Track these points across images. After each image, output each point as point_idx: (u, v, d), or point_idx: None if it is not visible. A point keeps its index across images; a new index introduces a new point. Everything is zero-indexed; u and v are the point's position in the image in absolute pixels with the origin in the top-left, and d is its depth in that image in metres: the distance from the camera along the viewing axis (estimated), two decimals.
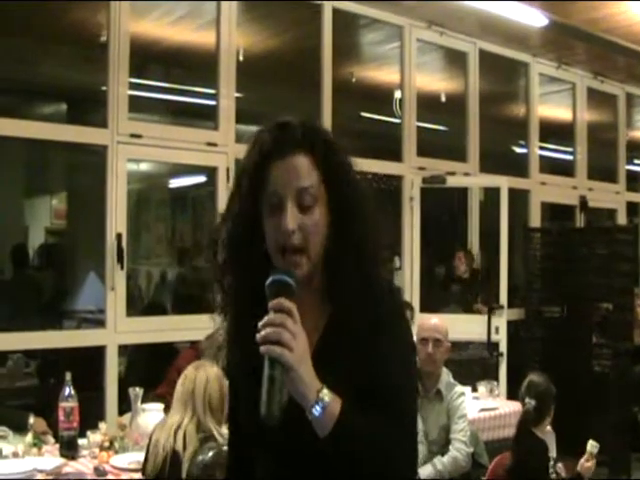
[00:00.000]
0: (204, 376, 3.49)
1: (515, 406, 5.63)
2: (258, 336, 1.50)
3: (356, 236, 1.65)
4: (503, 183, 7.45)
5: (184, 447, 3.28)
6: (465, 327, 6.79)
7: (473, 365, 7.36)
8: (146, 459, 3.43)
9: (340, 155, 1.71)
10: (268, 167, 1.64)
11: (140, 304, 8.74)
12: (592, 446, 4.23)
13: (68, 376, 4.04)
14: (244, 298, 1.69)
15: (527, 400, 4.28)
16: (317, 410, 1.50)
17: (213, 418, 3.42)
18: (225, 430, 3.33)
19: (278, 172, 1.64)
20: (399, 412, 1.62)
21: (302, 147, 1.65)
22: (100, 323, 5.58)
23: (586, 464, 4.19)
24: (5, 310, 7.14)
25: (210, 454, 3.14)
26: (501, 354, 7.16)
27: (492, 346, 7.14)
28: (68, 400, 4.01)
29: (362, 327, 1.63)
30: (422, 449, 4.61)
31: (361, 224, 1.67)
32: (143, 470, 3.45)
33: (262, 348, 1.49)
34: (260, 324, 1.51)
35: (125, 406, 5.00)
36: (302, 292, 1.59)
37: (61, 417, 4.01)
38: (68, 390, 4.02)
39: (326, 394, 1.52)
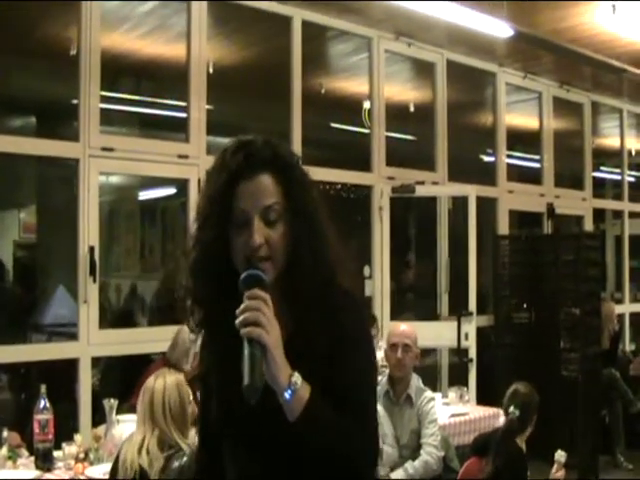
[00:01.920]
0: (161, 385, 3.47)
1: (485, 411, 5.72)
2: (237, 321, 1.60)
3: (314, 249, 1.75)
4: (471, 192, 7.54)
5: (150, 465, 3.27)
6: (434, 334, 6.87)
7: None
8: (114, 475, 3.43)
9: (300, 171, 1.82)
10: (235, 188, 1.73)
11: (110, 317, 8.72)
12: (560, 456, 4.30)
13: (43, 389, 4.05)
14: (217, 313, 1.77)
15: (511, 409, 4.33)
16: (288, 393, 1.61)
17: (175, 426, 3.39)
18: (190, 440, 3.37)
19: (245, 192, 1.73)
20: (358, 411, 1.71)
21: (266, 166, 1.75)
22: (71, 336, 5.57)
23: (556, 475, 4.27)
24: None
25: (185, 458, 3.16)
26: (471, 360, 7.23)
27: (462, 352, 7.21)
28: (43, 412, 4.02)
29: (323, 337, 1.72)
30: (393, 453, 4.67)
31: (319, 238, 1.77)
32: None
33: (242, 330, 1.60)
34: (238, 311, 1.62)
35: (98, 417, 5.02)
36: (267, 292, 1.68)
37: (36, 429, 4.02)
38: (43, 402, 4.03)
39: (297, 378, 1.63)
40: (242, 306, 1.62)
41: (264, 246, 1.71)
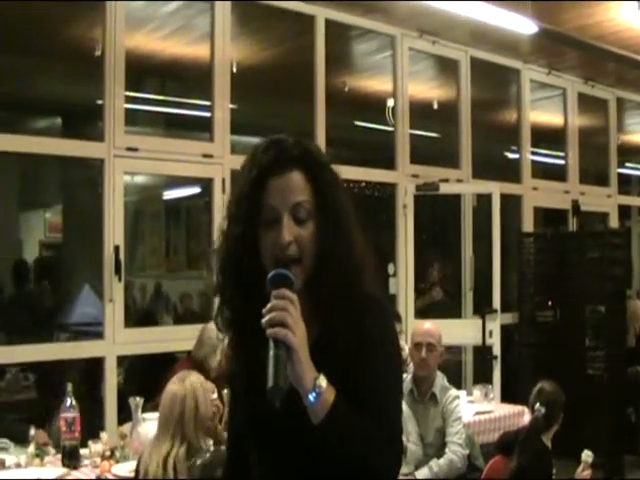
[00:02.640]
0: (183, 391, 3.42)
1: (509, 409, 5.70)
2: (263, 320, 1.59)
3: (342, 251, 1.73)
4: (495, 189, 7.51)
5: (175, 476, 3.25)
6: (458, 331, 6.86)
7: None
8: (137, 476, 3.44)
9: (330, 171, 1.81)
10: (265, 184, 1.72)
11: (135, 316, 8.77)
12: (587, 456, 4.28)
13: (69, 387, 4.09)
14: (244, 309, 1.75)
15: (537, 407, 4.33)
16: (313, 396, 1.58)
17: (202, 432, 3.39)
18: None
19: (275, 188, 1.71)
20: (383, 417, 1.68)
21: (296, 164, 1.74)
22: (97, 335, 5.61)
23: (583, 474, 4.25)
24: (2, 324, 7.17)
25: (208, 455, 3.16)
26: (495, 357, 7.21)
27: (486, 350, 7.19)
28: (70, 411, 4.05)
29: (348, 342, 1.71)
30: (418, 452, 4.67)
31: (347, 240, 1.75)
32: None
33: (268, 331, 1.58)
34: (264, 310, 1.60)
35: (123, 415, 5.05)
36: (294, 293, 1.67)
37: (63, 427, 4.06)
38: (69, 401, 4.07)
39: (322, 380, 1.60)
40: (268, 305, 1.60)
41: (293, 244, 1.70)
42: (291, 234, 1.69)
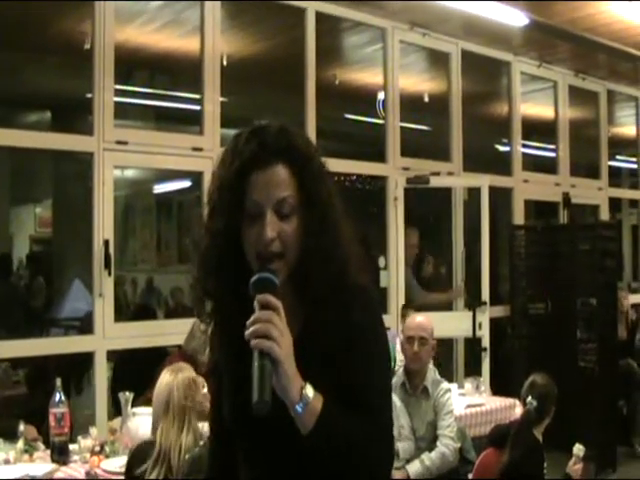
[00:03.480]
0: (185, 379, 3.46)
1: (501, 402, 5.70)
2: (247, 332, 1.55)
3: (327, 245, 1.70)
4: (484, 182, 7.51)
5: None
6: (449, 324, 6.85)
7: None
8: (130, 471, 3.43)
9: (316, 162, 1.76)
10: (248, 177, 1.67)
11: (127, 310, 8.76)
12: (578, 449, 4.28)
13: (58, 382, 4.06)
14: (227, 304, 1.73)
15: (529, 400, 4.32)
16: (300, 407, 1.56)
17: (202, 419, 3.40)
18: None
19: (258, 183, 1.67)
20: (374, 413, 1.66)
21: (281, 157, 1.69)
22: (88, 330, 5.59)
23: (574, 467, 4.25)
24: None
25: (197, 449, 3.16)
26: (484, 349, 7.21)
27: (476, 342, 7.20)
28: (59, 406, 4.03)
29: (335, 335, 1.68)
30: (410, 445, 4.67)
31: (333, 233, 1.71)
32: None
33: (252, 342, 1.54)
34: (248, 322, 1.56)
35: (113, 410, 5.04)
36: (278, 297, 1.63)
37: (52, 423, 4.04)
38: (58, 396, 4.05)
39: (309, 390, 1.57)
40: (252, 317, 1.57)
41: (276, 241, 1.66)
42: (274, 230, 1.66)
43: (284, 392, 1.55)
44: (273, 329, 1.55)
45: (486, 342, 7.25)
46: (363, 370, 1.69)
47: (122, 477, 3.78)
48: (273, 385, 1.54)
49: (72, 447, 4.16)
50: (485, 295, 7.31)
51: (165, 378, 3.53)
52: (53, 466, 3.94)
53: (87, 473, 3.85)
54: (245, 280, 1.63)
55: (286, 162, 1.69)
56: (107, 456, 4.08)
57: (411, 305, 6.77)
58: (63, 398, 4.05)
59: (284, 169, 1.69)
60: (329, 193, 1.75)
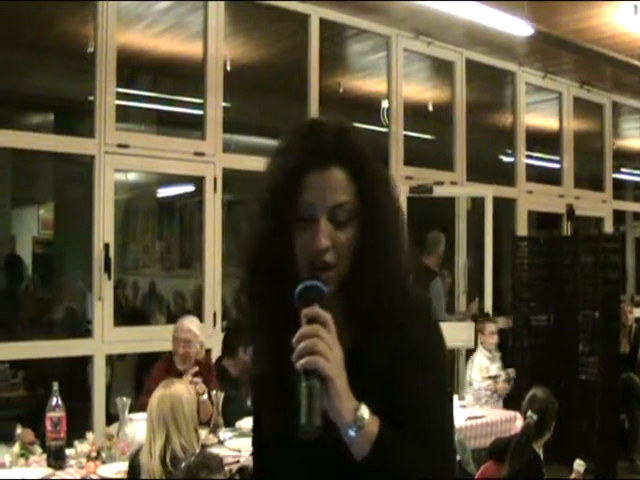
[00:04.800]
0: (176, 392, 3.54)
1: (502, 415, 5.66)
2: (293, 355, 1.40)
3: (383, 259, 1.55)
4: (488, 192, 7.48)
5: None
6: (450, 334, 6.81)
7: None
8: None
9: (375, 167, 1.61)
10: (302, 178, 1.53)
11: (127, 314, 8.74)
12: (579, 465, 4.26)
13: (55, 386, 4.03)
14: (274, 312, 1.58)
15: (529, 414, 4.30)
16: (354, 430, 1.41)
17: (193, 428, 3.49)
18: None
19: (313, 184, 1.53)
20: (434, 438, 1.51)
21: (339, 158, 1.54)
22: (87, 333, 5.56)
23: None
24: None
25: (192, 458, 3.15)
26: None
27: None
28: (55, 410, 4.00)
29: (390, 353, 1.54)
30: None
31: (390, 246, 1.57)
32: None
33: (298, 364, 1.39)
34: (294, 339, 1.41)
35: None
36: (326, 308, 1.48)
37: (49, 427, 4.00)
38: (55, 400, 4.01)
39: (364, 412, 1.42)
40: (297, 333, 1.41)
41: (330, 250, 1.51)
42: (328, 239, 1.51)
43: (336, 413, 1.40)
44: (320, 343, 1.39)
45: None
46: (421, 391, 1.53)
47: None
48: (324, 407, 1.38)
49: (68, 452, 4.14)
50: (488, 306, 7.28)
51: (156, 393, 3.60)
52: (49, 471, 3.91)
53: (83, 478, 3.81)
54: (295, 286, 1.49)
55: (345, 164, 1.54)
56: (104, 462, 4.05)
57: None
58: (60, 402, 4.02)
59: (342, 172, 1.54)
60: (390, 202, 1.61)
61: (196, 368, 4.80)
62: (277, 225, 1.54)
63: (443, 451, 1.53)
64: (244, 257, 1.62)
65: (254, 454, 1.81)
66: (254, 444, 1.80)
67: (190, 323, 5.07)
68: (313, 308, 1.44)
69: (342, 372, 1.41)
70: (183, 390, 3.61)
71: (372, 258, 1.53)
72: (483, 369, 6.68)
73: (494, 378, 6.54)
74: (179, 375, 4.71)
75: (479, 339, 6.96)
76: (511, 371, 6.70)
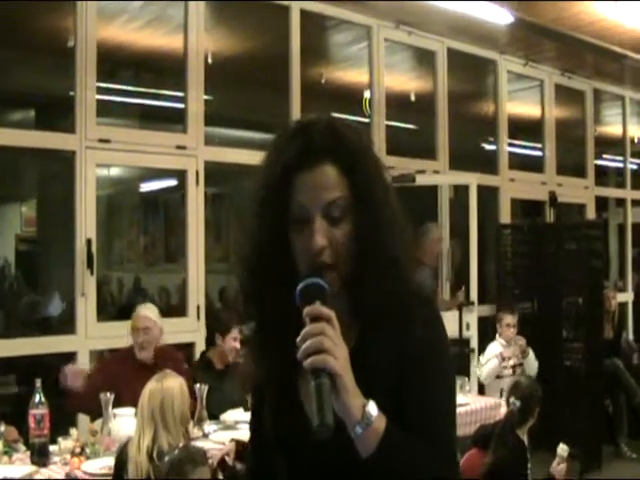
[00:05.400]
0: (171, 389, 3.53)
1: (486, 402, 5.67)
2: (298, 354, 1.39)
3: (383, 252, 1.54)
4: (472, 180, 7.48)
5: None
6: None
7: None
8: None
9: (369, 158, 1.61)
10: (293, 178, 1.53)
11: (112, 310, 8.72)
12: (562, 450, 4.29)
13: (38, 383, 4.02)
14: (273, 313, 1.58)
15: (512, 401, 4.32)
16: (361, 427, 1.40)
17: (184, 429, 3.49)
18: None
19: (304, 184, 1.53)
20: (439, 436, 1.52)
21: (329, 155, 1.54)
22: (71, 329, 5.54)
23: (558, 467, 4.25)
24: None
25: (176, 452, 3.15)
26: (472, 350, 7.19)
27: (463, 342, 7.17)
28: (38, 407, 3.99)
29: (395, 351, 1.54)
30: None
31: (389, 238, 1.55)
32: None
33: (305, 363, 1.38)
34: (298, 339, 1.40)
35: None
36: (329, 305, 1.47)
37: (32, 424, 3.99)
38: (38, 397, 4.00)
39: (372, 409, 1.41)
40: (302, 333, 1.39)
41: (327, 249, 1.50)
42: (324, 237, 1.50)
43: (344, 409, 1.39)
44: (326, 341, 1.38)
45: (474, 343, 7.22)
46: (427, 389, 1.53)
47: (102, 479, 3.76)
48: (333, 405, 1.37)
49: (52, 448, 4.13)
50: (473, 294, 7.29)
51: (149, 386, 3.57)
52: (32, 468, 3.90)
53: (67, 475, 3.81)
54: (294, 286, 1.47)
55: (335, 161, 1.53)
56: (88, 458, 4.03)
57: None
58: (43, 399, 4.01)
59: (333, 169, 1.53)
60: (384, 192, 1.60)
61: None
62: (273, 230, 1.54)
63: (448, 451, 1.53)
64: (243, 260, 1.61)
65: (253, 455, 1.80)
66: (253, 445, 1.80)
67: (147, 310, 5.07)
68: (315, 306, 1.43)
69: (348, 368, 1.40)
70: (175, 386, 3.58)
71: (373, 254, 1.52)
72: (496, 355, 6.62)
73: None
74: (141, 367, 4.73)
75: (497, 330, 6.88)
76: (520, 339, 6.70)
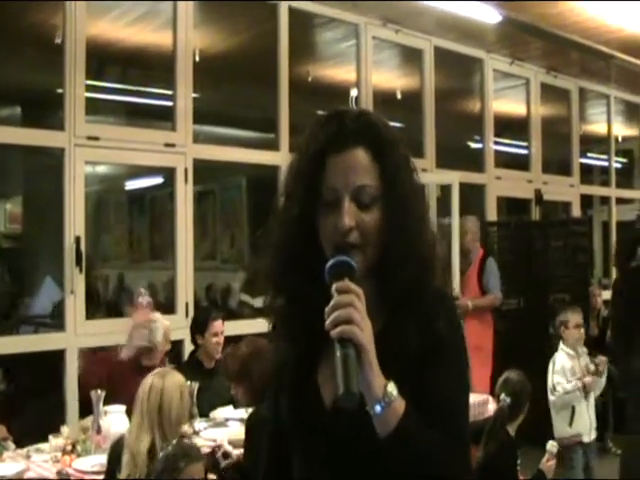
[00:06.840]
0: (170, 386, 3.51)
1: (474, 398, 5.67)
2: (327, 322, 1.41)
3: (410, 242, 1.56)
4: (454, 178, 7.49)
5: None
6: None
7: None
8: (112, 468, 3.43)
9: (399, 150, 1.63)
10: (325, 161, 1.56)
11: (98, 307, 8.68)
12: (552, 446, 4.31)
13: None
14: (302, 297, 1.60)
15: (502, 397, 4.33)
16: (381, 405, 1.42)
17: (179, 426, 3.49)
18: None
19: (335, 167, 1.55)
20: (454, 429, 1.52)
21: (360, 139, 1.57)
22: (59, 327, 5.53)
23: (547, 464, 4.27)
24: None
25: (170, 447, 3.15)
26: None
27: None
28: None
29: (416, 342, 1.55)
30: None
31: (416, 229, 1.58)
32: None
33: (333, 332, 1.40)
34: (327, 308, 1.42)
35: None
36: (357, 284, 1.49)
37: None
38: None
39: (393, 388, 1.43)
40: (332, 302, 1.41)
41: (355, 231, 1.52)
42: (352, 219, 1.52)
43: (367, 386, 1.40)
44: (355, 313, 1.40)
45: None
46: (444, 382, 1.54)
47: (93, 477, 3.76)
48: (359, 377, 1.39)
49: (43, 446, 4.12)
50: (456, 291, 7.30)
51: (149, 380, 3.55)
52: (23, 466, 3.89)
53: (58, 472, 3.80)
54: (322, 272, 1.49)
55: (367, 146, 1.57)
56: (79, 455, 4.04)
57: None
58: None
59: (365, 154, 1.56)
60: (413, 184, 1.62)
61: None
62: (302, 212, 1.56)
63: (462, 442, 1.55)
64: (270, 247, 1.63)
65: (270, 442, 1.79)
66: (270, 433, 1.78)
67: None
68: (345, 282, 1.44)
69: (372, 345, 1.42)
70: (175, 385, 3.55)
71: (398, 243, 1.54)
72: (567, 371, 5.77)
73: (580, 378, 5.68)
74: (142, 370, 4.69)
75: (561, 333, 6.04)
76: (600, 361, 5.87)
